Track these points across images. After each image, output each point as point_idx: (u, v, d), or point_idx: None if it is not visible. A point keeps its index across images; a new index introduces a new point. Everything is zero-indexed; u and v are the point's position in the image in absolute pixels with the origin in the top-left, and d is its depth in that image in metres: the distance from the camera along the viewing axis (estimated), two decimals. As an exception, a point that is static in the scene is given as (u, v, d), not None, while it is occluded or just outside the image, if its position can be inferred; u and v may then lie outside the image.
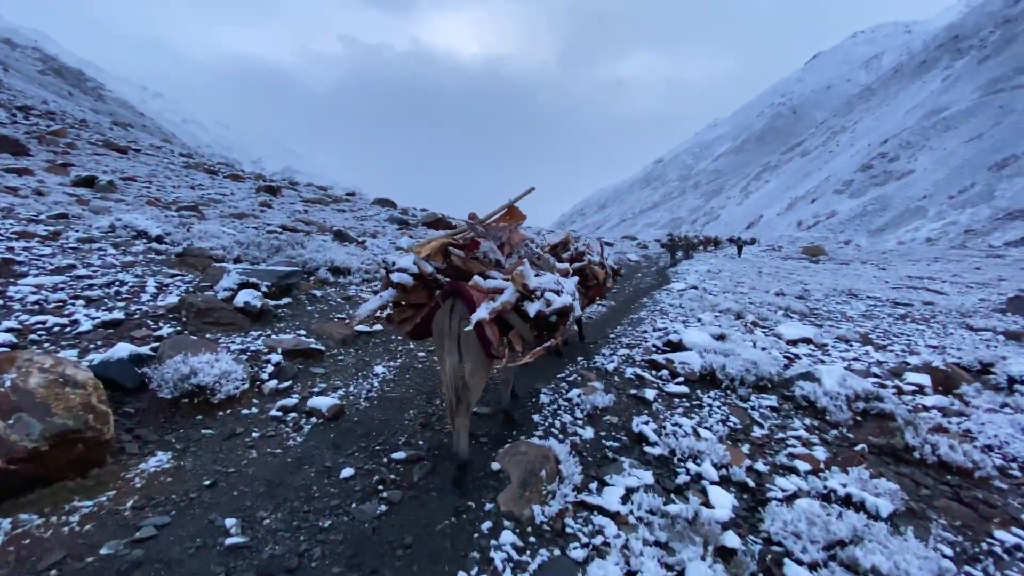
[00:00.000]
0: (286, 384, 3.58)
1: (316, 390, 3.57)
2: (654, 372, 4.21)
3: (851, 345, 6.84)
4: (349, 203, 25.79)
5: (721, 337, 5.00)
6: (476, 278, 2.70)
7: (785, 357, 5.56)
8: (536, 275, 2.94)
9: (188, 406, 3.09)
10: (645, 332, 5.97)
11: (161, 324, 4.07)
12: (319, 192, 28.68)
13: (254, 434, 2.97)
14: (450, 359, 2.58)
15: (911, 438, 3.21)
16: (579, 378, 4.03)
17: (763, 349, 5.65)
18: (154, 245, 6.69)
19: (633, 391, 3.75)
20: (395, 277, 2.74)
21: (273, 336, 4.34)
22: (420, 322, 2.84)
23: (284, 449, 2.84)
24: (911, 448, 3.19)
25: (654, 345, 5.05)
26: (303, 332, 4.63)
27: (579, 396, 3.51)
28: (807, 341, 6.56)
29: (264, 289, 5.29)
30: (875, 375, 5.08)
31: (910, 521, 2.45)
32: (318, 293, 6.05)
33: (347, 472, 2.65)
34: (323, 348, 4.33)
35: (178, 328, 4.07)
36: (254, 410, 3.25)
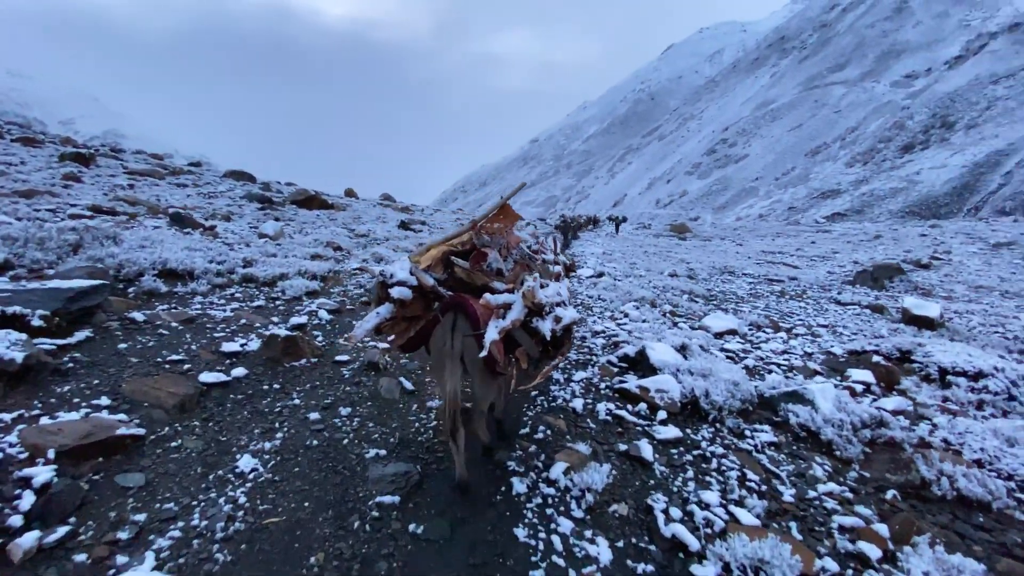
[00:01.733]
0: (59, 535, 1.92)
1: (124, 536, 1.97)
2: (631, 407, 3.38)
3: (767, 332, 6.86)
4: (193, 176, 21.33)
5: (683, 348, 4.36)
6: (487, 296, 2.59)
7: (727, 356, 5.21)
8: (541, 286, 2.74)
9: None
10: (585, 338, 5.20)
11: None
12: (152, 162, 23.32)
13: None
14: (451, 380, 2.39)
15: (926, 471, 2.83)
16: (549, 433, 3.00)
17: (707, 351, 5.23)
18: None
19: (622, 446, 2.86)
20: (396, 293, 2.50)
21: (45, 419, 2.55)
22: (414, 336, 2.61)
23: None
24: (927, 483, 2.81)
25: (609, 362, 4.25)
26: (107, 399, 2.86)
27: (566, 476, 2.48)
28: (733, 333, 6.37)
29: (37, 323, 3.33)
30: (818, 372, 4.93)
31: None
32: (139, 317, 4.12)
33: None
34: (143, 430, 2.62)
35: None
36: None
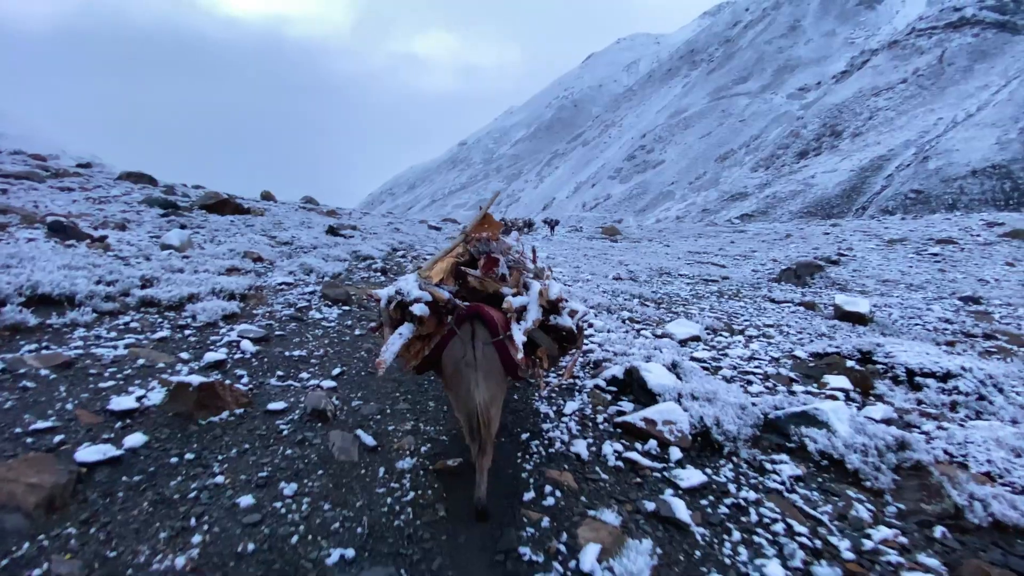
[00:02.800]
0: None
1: None
2: (640, 445, 2.91)
3: (725, 336, 6.80)
4: (81, 178, 18.42)
5: (674, 366, 3.98)
6: (510, 298, 2.63)
7: (701, 367, 4.96)
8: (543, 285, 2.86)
9: None
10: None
11: None
12: (32, 163, 19.83)
13: None
14: (478, 392, 2.27)
15: (957, 497, 2.63)
16: (558, 495, 2.43)
17: (677, 361, 4.95)
18: None
19: (648, 504, 2.35)
20: (417, 310, 2.41)
21: None
22: (429, 354, 2.51)
23: None
24: (961, 510, 2.60)
25: (598, 387, 3.77)
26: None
27: (602, 564, 1.89)
28: (696, 339, 6.22)
29: None
30: (794, 380, 4.80)
31: None
32: (-10, 365, 3.04)
33: None
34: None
35: None
36: None
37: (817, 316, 9.53)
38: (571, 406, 3.38)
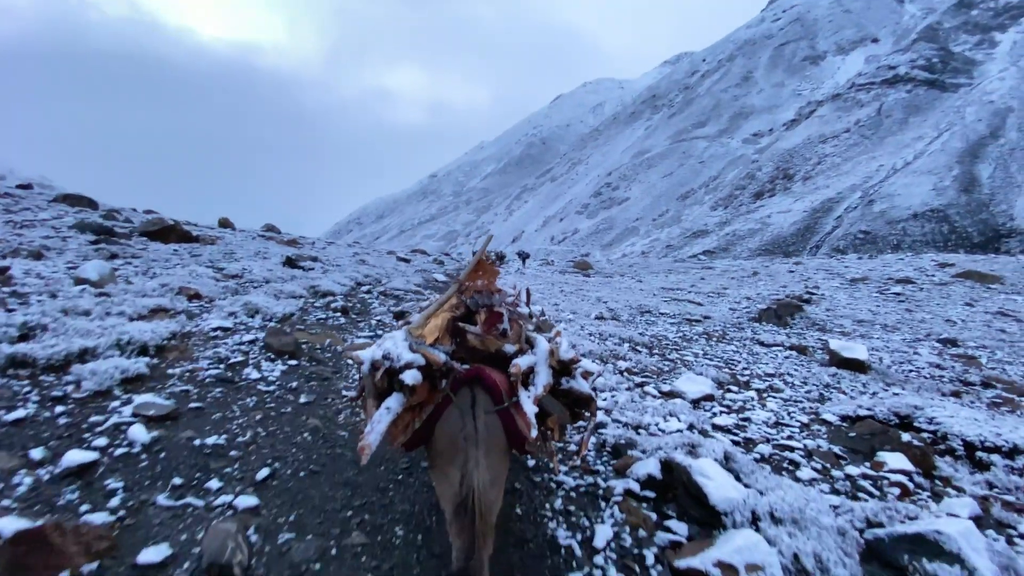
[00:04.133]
0: None
1: None
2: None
3: (734, 391, 6.07)
4: (10, 200, 16.56)
5: (727, 458, 3.11)
6: (517, 360, 2.25)
7: (732, 440, 4.14)
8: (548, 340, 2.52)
9: None
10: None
11: None
12: None
13: None
14: (478, 472, 1.92)
15: None
16: None
17: (705, 434, 4.11)
18: None
19: None
20: (409, 379, 2.03)
21: None
22: (421, 427, 2.13)
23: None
24: None
25: (629, 491, 2.83)
26: None
27: None
28: (710, 398, 5.44)
29: None
30: (840, 456, 4.03)
31: None
32: None
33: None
34: None
35: None
36: None
37: (812, 362, 9.07)
38: (603, 534, 2.43)
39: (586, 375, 2.72)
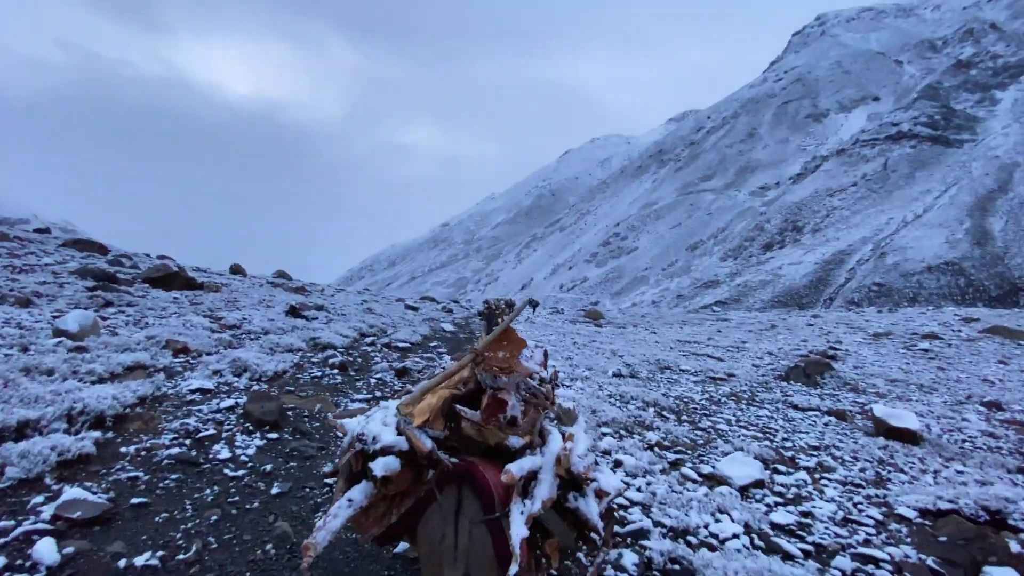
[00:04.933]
0: None
1: None
2: None
3: (784, 473, 5.27)
4: (15, 244, 16.60)
5: None
6: (511, 467, 1.80)
7: (800, 549, 3.36)
8: (568, 438, 2.14)
9: None
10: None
11: None
12: None
13: None
14: None
15: None
16: None
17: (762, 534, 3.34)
18: None
19: None
20: (380, 469, 1.69)
21: None
22: (398, 521, 1.84)
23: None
24: None
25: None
26: None
27: None
28: (760, 485, 4.64)
29: None
30: (937, 572, 3.23)
31: None
32: None
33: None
34: None
35: None
36: None
37: (856, 431, 8.20)
38: None
39: (601, 494, 2.21)
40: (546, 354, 4.43)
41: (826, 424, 8.34)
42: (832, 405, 9.87)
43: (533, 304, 31.95)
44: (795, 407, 9.60)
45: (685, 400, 8.72)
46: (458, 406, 2.16)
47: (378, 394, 5.92)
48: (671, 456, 5.14)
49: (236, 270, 24.58)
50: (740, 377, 12.60)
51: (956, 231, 56.42)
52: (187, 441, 3.64)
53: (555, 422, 2.70)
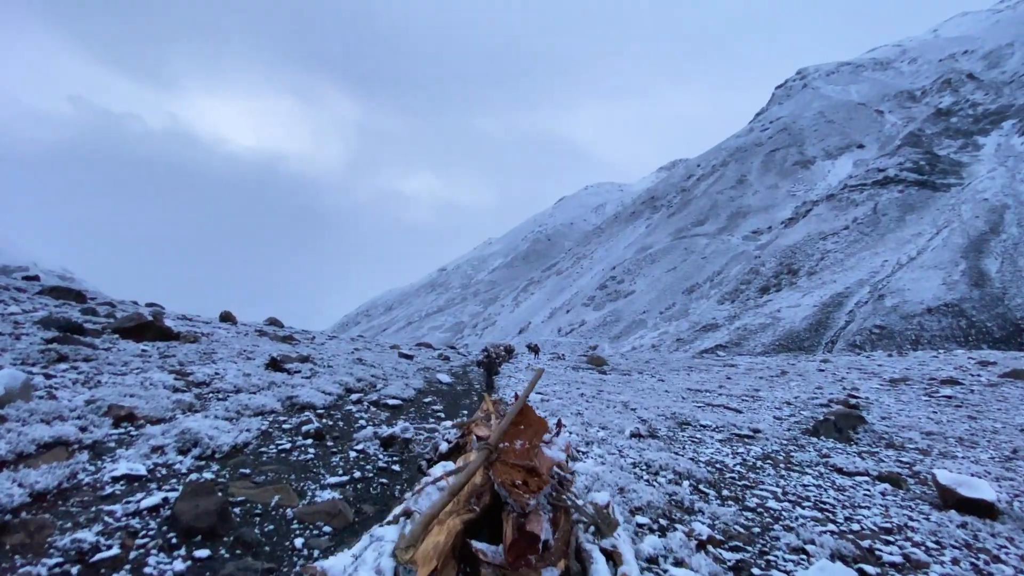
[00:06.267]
0: None
1: None
2: None
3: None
4: (-16, 292, 15.53)
5: None
6: None
7: None
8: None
9: None
10: None
11: None
12: None
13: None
14: None
15: None
16: None
17: None
18: None
19: None
20: None
21: None
22: None
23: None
24: None
25: None
26: None
27: None
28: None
29: None
30: None
31: None
32: None
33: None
34: None
35: None
36: None
37: (918, 501, 7.06)
38: None
39: None
40: (560, 423, 3.47)
41: (883, 494, 7.23)
42: (878, 467, 8.76)
43: (534, 350, 30.72)
44: (839, 471, 8.49)
45: (718, 466, 7.59)
46: (475, 544, 1.74)
47: (356, 474, 4.79)
48: (728, 557, 4.02)
49: (226, 317, 23.37)
50: (767, 433, 11.46)
51: (952, 273, 56.35)
52: (74, 570, 2.55)
53: (591, 530, 2.25)
